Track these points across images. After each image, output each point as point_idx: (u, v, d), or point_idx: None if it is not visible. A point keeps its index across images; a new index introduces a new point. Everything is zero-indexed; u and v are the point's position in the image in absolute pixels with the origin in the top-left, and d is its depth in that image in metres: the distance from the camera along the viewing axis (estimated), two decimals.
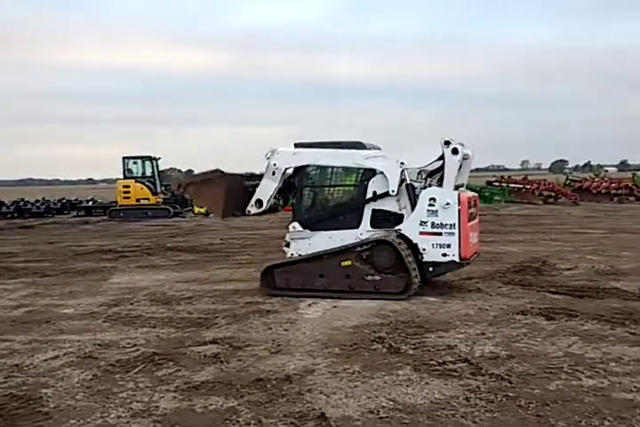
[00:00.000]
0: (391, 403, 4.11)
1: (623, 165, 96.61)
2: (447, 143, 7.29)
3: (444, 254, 7.20)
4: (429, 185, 7.61)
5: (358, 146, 7.99)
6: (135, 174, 24.30)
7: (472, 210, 7.50)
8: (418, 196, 7.35)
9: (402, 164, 7.42)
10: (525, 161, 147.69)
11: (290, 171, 8.01)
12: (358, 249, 7.47)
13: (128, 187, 23.82)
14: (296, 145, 8.15)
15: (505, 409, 3.96)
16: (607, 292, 7.44)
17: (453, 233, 7.15)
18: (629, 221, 17.92)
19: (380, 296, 7.22)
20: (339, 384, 4.48)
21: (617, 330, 5.70)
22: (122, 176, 24.26)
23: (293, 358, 5.14)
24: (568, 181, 30.95)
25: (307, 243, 7.81)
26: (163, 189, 24.98)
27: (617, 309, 6.54)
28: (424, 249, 7.25)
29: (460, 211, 7.14)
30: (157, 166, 24.76)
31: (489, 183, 28.98)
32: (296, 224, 7.87)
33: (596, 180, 30.48)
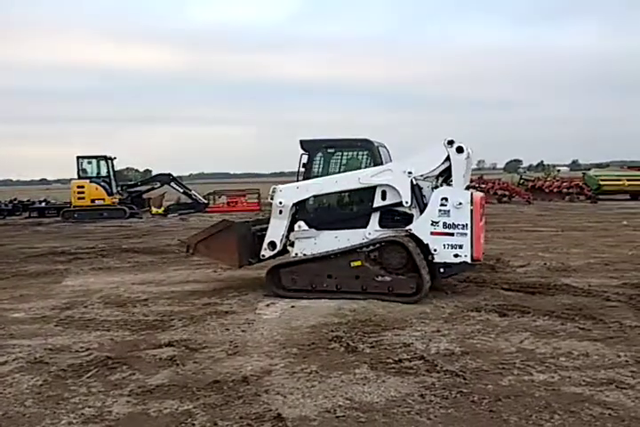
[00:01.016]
0: (348, 402, 4.13)
1: (574, 165, 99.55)
2: (450, 143, 7.20)
3: (456, 255, 7.06)
4: (440, 185, 7.47)
5: (365, 144, 7.84)
6: (90, 174, 23.80)
7: (481, 210, 7.33)
8: (424, 196, 7.30)
9: (409, 173, 7.29)
10: (481, 161, 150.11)
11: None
12: (368, 249, 7.36)
13: (82, 187, 23.30)
14: (302, 142, 7.93)
15: (459, 405, 4.03)
16: (558, 288, 7.66)
17: (465, 233, 7.02)
18: (579, 219, 18.47)
19: (393, 298, 7.04)
20: (296, 384, 4.47)
21: (567, 325, 5.87)
22: (76, 176, 23.72)
23: (251, 359, 5.11)
24: (522, 181, 31.68)
25: (312, 242, 7.64)
26: (119, 189, 24.52)
27: (567, 304, 6.73)
28: (435, 250, 7.11)
29: (472, 211, 7.03)
30: (113, 166, 24.29)
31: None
32: (302, 223, 7.69)
33: (549, 179, 31.31)
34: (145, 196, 26.28)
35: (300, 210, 7.82)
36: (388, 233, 7.40)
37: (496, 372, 4.64)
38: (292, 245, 7.83)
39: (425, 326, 5.99)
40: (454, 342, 5.42)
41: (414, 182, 7.32)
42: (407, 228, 7.31)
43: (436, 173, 7.47)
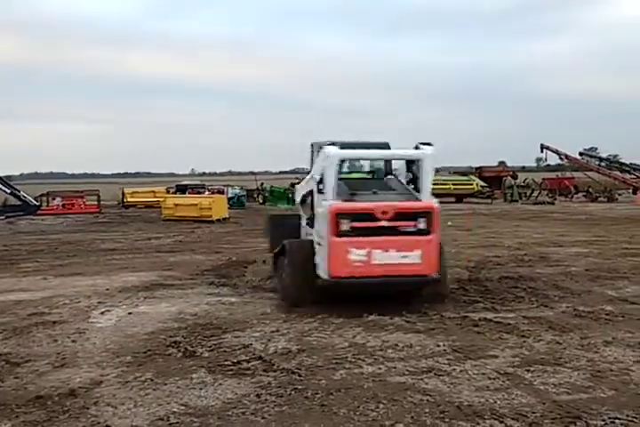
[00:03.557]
0: (182, 408, 4.07)
1: None
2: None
3: (321, 269, 6.50)
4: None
5: (385, 147, 7.57)
6: None
7: (383, 223, 6.33)
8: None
9: (315, 178, 6.91)
10: None
11: None
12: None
13: None
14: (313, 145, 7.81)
15: (293, 402, 4.15)
16: None
17: (324, 246, 6.40)
18: None
19: None
20: (128, 394, 4.31)
21: (395, 319, 6.27)
22: None
23: (80, 370, 4.84)
24: None
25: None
26: None
27: (396, 300, 7.19)
28: (316, 261, 6.60)
29: (329, 222, 6.28)
30: None
31: (292, 185, 30.10)
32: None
33: None
34: None
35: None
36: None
37: (329, 367, 4.84)
38: None
39: (265, 327, 6.08)
40: (292, 341, 5.57)
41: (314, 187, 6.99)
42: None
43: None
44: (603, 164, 34.14)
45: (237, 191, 29.80)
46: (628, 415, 3.85)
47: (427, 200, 6.58)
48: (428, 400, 4.15)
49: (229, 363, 4.97)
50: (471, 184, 31.82)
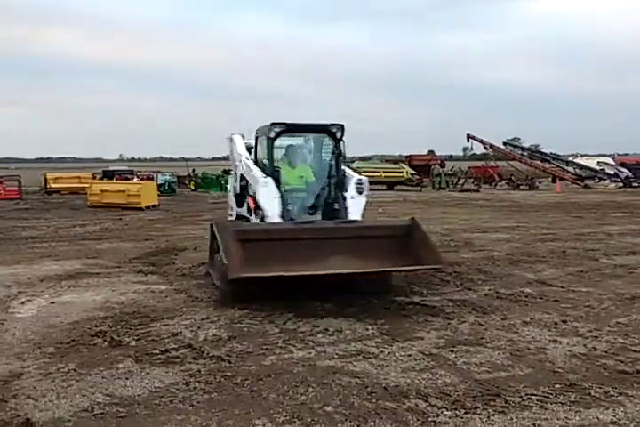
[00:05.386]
0: (108, 398, 3.97)
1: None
2: None
3: None
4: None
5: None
6: None
7: None
8: None
9: None
10: None
11: None
12: None
13: None
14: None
15: (222, 389, 4.13)
16: None
17: None
18: None
19: None
20: (50, 386, 4.17)
21: (326, 305, 6.33)
22: None
23: None
24: None
25: None
26: None
27: (329, 286, 7.25)
28: None
29: None
30: None
31: (225, 172, 29.70)
32: None
33: None
34: None
35: None
36: None
37: (260, 353, 4.85)
38: None
39: (195, 314, 6.01)
40: (222, 328, 5.53)
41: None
42: None
43: None
44: (525, 153, 35.61)
45: (168, 178, 29.14)
46: (544, 392, 4.07)
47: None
48: (356, 382, 4.23)
49: (157, 352, 4.88)
50: (401, 172, 32.42)
